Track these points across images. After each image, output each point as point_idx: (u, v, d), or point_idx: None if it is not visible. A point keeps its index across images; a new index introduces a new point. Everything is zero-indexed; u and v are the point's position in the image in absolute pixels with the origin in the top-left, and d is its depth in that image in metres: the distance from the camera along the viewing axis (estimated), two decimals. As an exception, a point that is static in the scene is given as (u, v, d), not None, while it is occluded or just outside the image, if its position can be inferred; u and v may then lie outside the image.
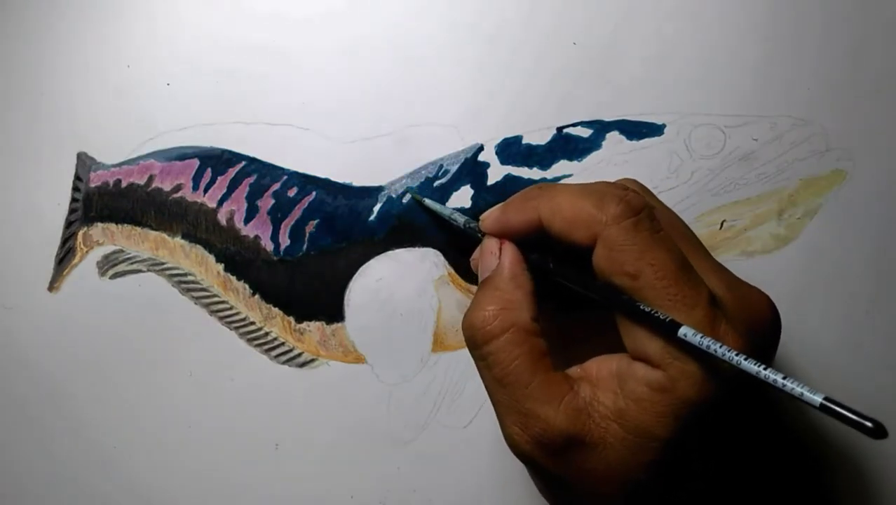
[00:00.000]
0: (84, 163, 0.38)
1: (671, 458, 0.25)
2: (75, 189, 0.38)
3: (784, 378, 0.22)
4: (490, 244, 0.30)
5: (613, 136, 0.37)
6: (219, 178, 0.37)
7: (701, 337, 0.23)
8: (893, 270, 0.38)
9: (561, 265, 0.28)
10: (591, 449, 0.26)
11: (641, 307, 0.25)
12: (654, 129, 0.38)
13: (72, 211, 0.38)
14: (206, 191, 0.37)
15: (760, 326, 0.26)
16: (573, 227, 0.27)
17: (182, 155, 0.38)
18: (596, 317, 0.29)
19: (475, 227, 0.31)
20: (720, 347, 0.23)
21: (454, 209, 0.34)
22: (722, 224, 0.37)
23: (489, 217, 0.30)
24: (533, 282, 0.29)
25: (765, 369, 0.22)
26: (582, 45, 0.37)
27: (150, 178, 0.38)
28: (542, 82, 0.37)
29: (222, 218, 0.37)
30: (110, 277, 0.37)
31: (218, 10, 0.38)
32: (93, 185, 0.38)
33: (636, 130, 0.38)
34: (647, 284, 0.25)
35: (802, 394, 0.22)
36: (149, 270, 0.37)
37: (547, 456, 0.26)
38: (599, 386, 0.26)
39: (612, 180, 0.30)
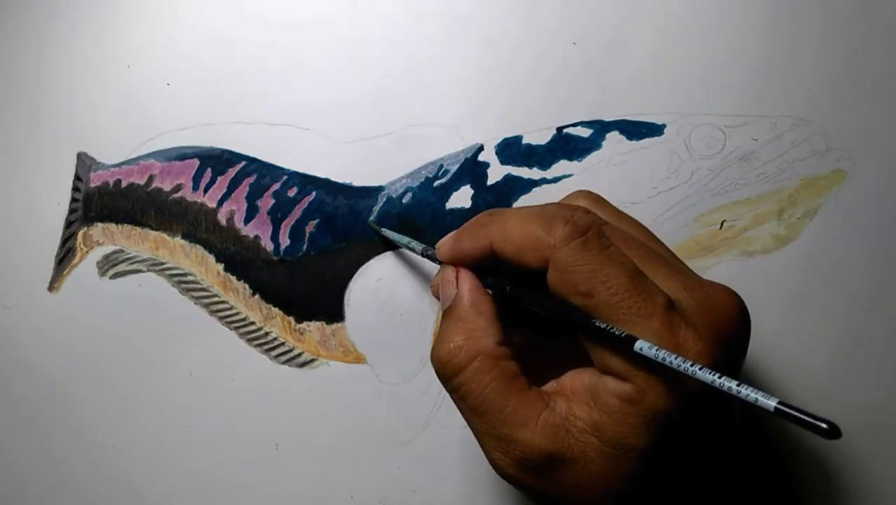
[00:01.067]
0: (84, 163, 0.38)
1: (650, 466, 0.26)
2: (75, 189, 0.38)
3: (738, 385, 0.22)
4: (447, 273, 0.30)
5: (613, 136, 0.37)
6: (219, 178, 0.37)
7: (656, 350, 0.23)
8: (893, 269, 0.38)
9: (518, 288, 0.28)
10: (573, 464, 0.26)
11: (597, 324, 0.25)
12: (654, 129, 0.38)
13: (72, 211, 0.38)
14: (206, 191, 0.37)
15: (725, 325, 0.26)
16: (523, 252, 0.27)
17: (182, 155, 0.38)
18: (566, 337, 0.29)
19: (433, 255, 0.31)
20: (675, 358, 0.23)
21: (410, 238, 0.34)
22: (722, 224, 0.37)
23: (444, 246, 0.30)
24: (494, 305, 0.29)
25: (719, 378, 0.22)
26: (582, 45, 0.37)
27: (150, 178, 0.38)
28: (542, 82, 0.37)
29: (222, 218, 0.37)
30: (110, 277, 0.37)
31: (218, 11, 0.38)
32: (93, 185, 0.38)
33: (636, 130, 0.38)
34: (602, 302, 0.25)
35: (757, 399, 0.22)
36: (149, 270, 0.37)
37: (531, 477, 0.26)
38: (574, 400, 0.26)
39: (574, 191, 0.31)
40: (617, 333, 0.25)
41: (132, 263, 0.37)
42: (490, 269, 0.29)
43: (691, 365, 0.23)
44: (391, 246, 0.37)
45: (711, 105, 0.38)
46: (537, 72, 0.37)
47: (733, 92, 0.38)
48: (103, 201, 0.38)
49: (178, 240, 0.37)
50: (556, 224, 0.27)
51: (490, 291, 0.29)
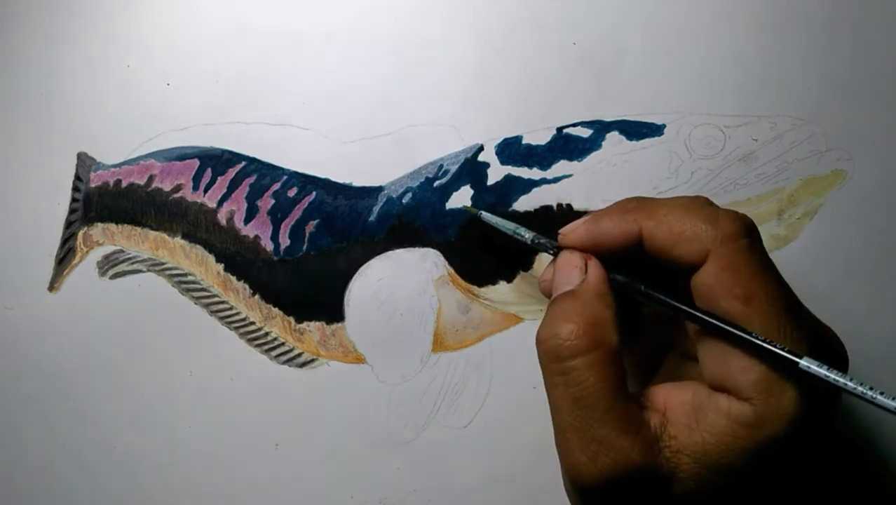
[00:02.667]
0: (84, 163, 0.38)
1: (744, 491, 0.24)
2: (75, 189, 0.38)
3: None
4: (573, 258, 0.28)
5: (613, 137, 0.37)
6: (219, 178, 0.37)
7: (827, 370, 0.23)
8: (893, 269, 0.38)
9: (653, 287, 0.27)
10: (660, 484, 0.24)
11: (755, 336, 0.24)
12: (653, 129, 0.38)
13: (72, 211, 0.38)
14: (206, 191, 0.37)
15: (842, 364, 0.26)
16: (679, 242, 0.25)
17: (182, 155, 0.38)
18: (651, 348, 0.28)
19: (546, 243, 0.30)
20: (850, 380, 0.22)
21: (517, 225, 0.33)
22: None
23: (577, 230, 0.28)
24: (616, 306, 0.27)
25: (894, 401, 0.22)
26: (582, 45, 0.37)
27: (151, 179, 0.38)
28: (542, 82, 0.37)
29: (222, 218, 0.37)
30: (110, 277, 0.37)
31: (218, 11, 0.38)
32: (93, 185, 0.38)
33: (636, 130, 0.38)
34: (759, 310, 0.24)
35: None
36: (149, 270, 0.37)
37: (613, 490, 0.24)
38: (670, 419, 0.25)
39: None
40: (779, 348, 0.23)
41: (132, 264, 0.37)
42: (621, 262, 0.27)
43: (869, 389, 0.22)
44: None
45: (711, 105, 0.38)
46: (537, 72, 0.37)
47: (733, 92, 0.38)
48: (103, 201, 0.38)
49: (178, 240, 0.37)
50: (724, 218, 0.25)
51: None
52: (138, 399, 0.37)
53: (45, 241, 0.37)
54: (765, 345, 0.23)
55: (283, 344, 0.37)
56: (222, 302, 0.37)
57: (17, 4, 0.38)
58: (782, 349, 0.23)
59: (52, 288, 0.37)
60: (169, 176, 0.37)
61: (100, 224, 0.38)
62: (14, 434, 0.38)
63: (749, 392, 0.24)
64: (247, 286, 0.37)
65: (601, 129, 0.37)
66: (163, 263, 0.37)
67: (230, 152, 0.38)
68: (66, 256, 0.37)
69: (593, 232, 0.28)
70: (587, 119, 0.37)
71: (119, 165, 0.38)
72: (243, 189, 0.37)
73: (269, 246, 0.37)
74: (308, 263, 0.37)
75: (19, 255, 0.37)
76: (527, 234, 0.32)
